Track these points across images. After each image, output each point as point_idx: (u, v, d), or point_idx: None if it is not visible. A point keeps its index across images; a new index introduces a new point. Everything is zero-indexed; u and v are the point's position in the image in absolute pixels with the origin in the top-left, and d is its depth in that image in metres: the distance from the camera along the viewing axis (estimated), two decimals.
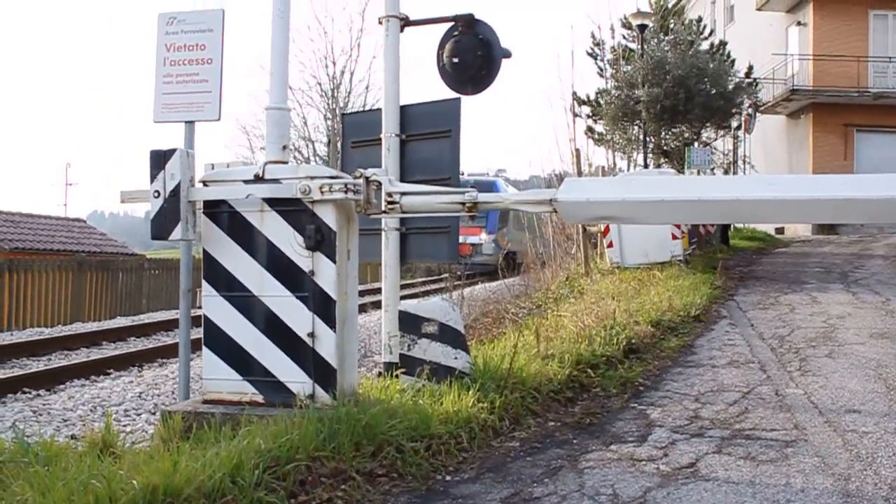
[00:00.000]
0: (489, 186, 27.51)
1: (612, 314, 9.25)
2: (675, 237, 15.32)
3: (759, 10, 31.28)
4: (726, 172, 27.16)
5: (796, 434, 5.59)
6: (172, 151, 5.56)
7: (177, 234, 5.53)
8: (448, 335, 6.19)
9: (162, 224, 5.54)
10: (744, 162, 28.02)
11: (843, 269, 16.63)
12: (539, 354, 7.12)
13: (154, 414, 8.12)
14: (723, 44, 27.58)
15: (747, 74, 27.12)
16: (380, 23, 7.50)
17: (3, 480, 4.24)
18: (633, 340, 8.46)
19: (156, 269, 24.06)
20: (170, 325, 15.98)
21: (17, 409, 8.30)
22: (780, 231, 28.06)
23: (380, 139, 7.35)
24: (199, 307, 5.78)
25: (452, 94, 7.62)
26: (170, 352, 12.19)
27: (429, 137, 7.35)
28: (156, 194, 5.54)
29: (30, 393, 9.52)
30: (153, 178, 5.55)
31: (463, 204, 5.38)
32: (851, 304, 11.96)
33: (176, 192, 5.50)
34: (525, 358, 6.84)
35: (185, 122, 6.62)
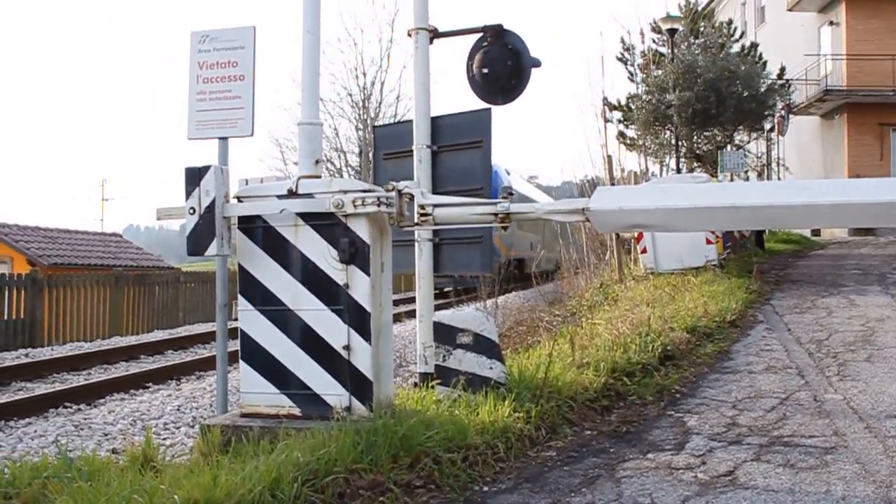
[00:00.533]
0: None
1: (646, 321, 9.21)
2: (709, 242, 15.22)
3: (790, 10, 31.05)
4: (760, 175, 26.96)
5: (836, 440, 5.53)
6: (207, 168, 5.62)
7: (212, 249, 5.59)
8: (483, 345, 6.20)
9: (198, 240, 5.60)
10: (777, 164, 27.80)
11: (881, 270, 16.43)
12: (574, 363, 7.11)
13: (193, 427, 8.21)
14: (754, 45, 27.43)
15: (779, 76, 26.94)
16: (409, 35, 7.55)
17: (48, 496, 4.32)
18: (669, 347, 8.42)
19: (191, 282, 24.31)
20: (206, 338, 16.13)
21: (59, 423, 8.41)
22: (815, 233, 27.76)
23: (411, 151, 7.39)
24: (236, 319, 5.84)
25: (482, 104, 7.64)
26: (207, 364, 12.30)
27: (460, 148, 7.37)
28: (191, 211, 5.60)
29: (71, 407, 9.65)
30: (188, 194, 5.62)
31: (495, 215, 5.39)
32: (890, 306, 11.80)
33: (211, 208, 5.56)
34: (560, 367, 6.83)
35: (219, 138, 6.68)
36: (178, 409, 9.02)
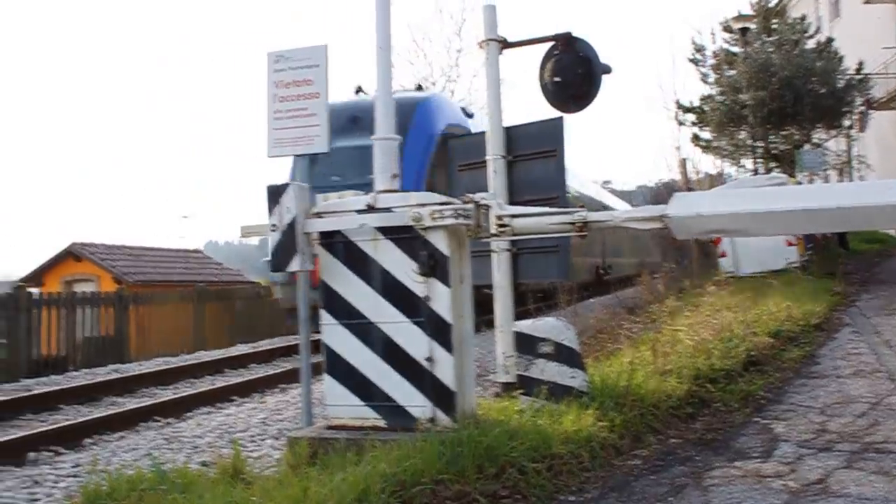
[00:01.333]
0: (410, 110, 15.13)
1: (728, 326, 9.08)
2: (790, 243, 14.96)
3: (866, 3, 30.23)
4: (840, 174, 26.30)
5: None
6: (286, 186, 5.75)
7: (294, 265, 5.71)
8: (564, 354, 6.20)
9: (280, 257, 5.73)
10: (859, 162, 27.08)
11: None
12: (656, 370, 7.05)
13: (278, 439, 8.33)
14: (829, 40, 26.78)
15: (858, 70, 26.24)
16: (480, 47, 7.60)
17: None
18: (753, 352, 8.28)
19: (272, 297, 24.68)
20: (288, 351, 16.36)
21: (150, 437, 8.63)
22: None
23: (485, 161, 7.42)
24: (318, 332, 5.93)
25: (555, 113, 7.65)
26: (289, 377, 12.48)
27: (534, 157, 7.39)
28: (273, 228, 5.73)
29: (160, 421, 9.90)
30: (270, 212, 5.76)
31: (573, 224, 5.40)
32: None
33: (292, 225, 5.69)
34: (642, 374, 6.77)
35: (296, 155, 6.79)
36: (264, 422, 9.18)
